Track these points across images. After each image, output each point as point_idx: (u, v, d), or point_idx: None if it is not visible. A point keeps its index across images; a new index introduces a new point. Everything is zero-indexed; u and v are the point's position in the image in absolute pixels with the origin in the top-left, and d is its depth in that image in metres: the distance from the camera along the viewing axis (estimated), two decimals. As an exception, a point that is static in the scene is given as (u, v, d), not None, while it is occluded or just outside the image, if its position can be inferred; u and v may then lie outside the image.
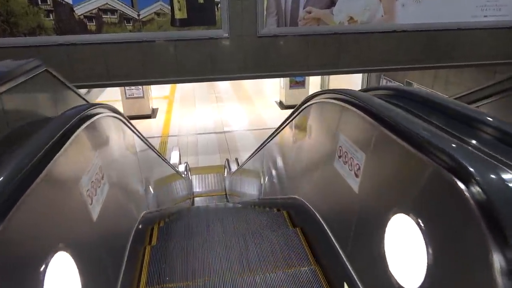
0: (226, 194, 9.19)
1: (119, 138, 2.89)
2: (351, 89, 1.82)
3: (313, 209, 2.46)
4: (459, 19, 5.31)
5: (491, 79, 7.35)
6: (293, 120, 3.41)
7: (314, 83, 16.91)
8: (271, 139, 4.75)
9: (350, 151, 1.52)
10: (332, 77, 16.73)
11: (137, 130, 3.90)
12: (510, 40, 5.57)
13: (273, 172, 4.83)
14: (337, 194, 1.98)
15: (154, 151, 4.83)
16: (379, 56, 5.75)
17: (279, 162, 4.54)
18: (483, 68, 7.23)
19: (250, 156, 6.42)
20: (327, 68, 5.69)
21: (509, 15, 5.38)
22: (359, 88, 13.65)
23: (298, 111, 3.11)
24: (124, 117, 3.13)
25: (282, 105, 15.69)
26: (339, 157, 1.63)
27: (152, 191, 4.12)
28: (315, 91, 2.87)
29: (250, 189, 6.00)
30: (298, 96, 15.33)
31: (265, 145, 5.11)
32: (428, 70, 9.42)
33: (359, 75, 13.62)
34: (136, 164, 3.41)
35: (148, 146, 4.31)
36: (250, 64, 5.52)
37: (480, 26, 5.41)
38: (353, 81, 13.87)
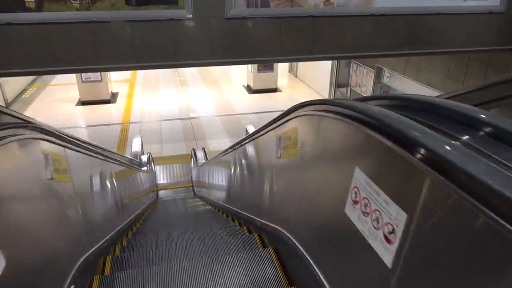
0: (192, 186, 8.69)
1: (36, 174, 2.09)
2: (367, 105, 1.33)
3: (313, 265, 1.84)
4: (439, 3, 5.01)
5: (463, 65, 7.22)
6: (276, 129, 2.72)
7: (282, 67, 16.49)
8: (247, 141, 4.23)
9: (375, 200, 1.10)
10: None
11: (81, 142, 3.22)
12: (490, 26, 5.35)
13: (246, 180, 4.35)
14: (353, 258, 1.42)
15: (108, 155, 4.18)
16: (356, 42, 5.38)
17: (255, 174, 3.93)
18: (456, 54, 7.07)
19: (221, 153, 5.93)
20: (301, 54, 5.24)
21: (490, 0, 5.13)
22: (329, 74, 13.37)
23: (285, 119, 2.43)
24: (55, 134, 2.43)
25: (250, 89, 15.19)
26: (354, 202, 1.18)
27: (105, 207, 3.56)
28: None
29: (218, 191, 5.53)
30: (266, 80, 14.88)
31: (238, 145, 4.60)
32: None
33: (328, 61, 13.32)
34: (72, 195, 2.66)
35: (98, 154, 3.67)
36: (217, 49, 4.99)
37: (460, 11, 5.13)
38: (322, 67, 13.56)
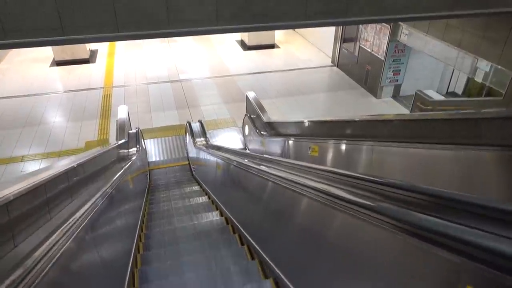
0: (189, 164, 7.69)
1: None
2: None
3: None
4: None
5: (507, 27, 6.09)
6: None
7: (279, 19, 14.91)
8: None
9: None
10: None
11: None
12: None
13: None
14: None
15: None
16: (399, 1, 4.21)
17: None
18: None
19: (229, 150, 4.87)
20: (332, 16, 4.07)
21: None
22: (333, 28, 11.98)
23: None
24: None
25: (244, 46, 13.77)
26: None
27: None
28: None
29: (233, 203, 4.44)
30: (262, 35, 13.44)
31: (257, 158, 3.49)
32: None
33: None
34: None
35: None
36: (224, 12, 3.78)
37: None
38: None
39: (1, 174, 7.29)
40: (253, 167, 3.22)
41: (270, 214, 2.95)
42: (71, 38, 3.61)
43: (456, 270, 1.02)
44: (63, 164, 2.69)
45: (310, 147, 4.73)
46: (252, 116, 7.72)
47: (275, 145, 6.43)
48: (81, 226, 1.83)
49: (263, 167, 3.05)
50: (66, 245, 1.55)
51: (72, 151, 7.95)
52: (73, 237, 1.65)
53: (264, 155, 3.49)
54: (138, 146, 6.49)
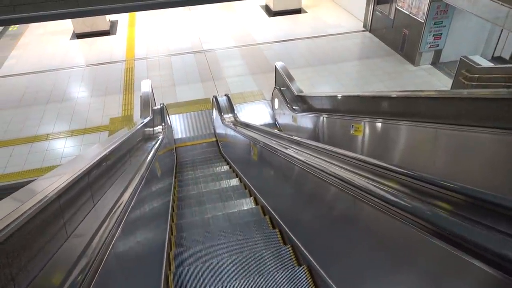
0: (217, 141, 7.35)
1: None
2: None
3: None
4: None
5: None
6: None
7: (306, -19, 13.99)
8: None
9: None
10: (328, -28, 13.81)
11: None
12: None
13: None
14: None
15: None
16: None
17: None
18: None
19: (261, 130, 4.42)
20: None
21: None
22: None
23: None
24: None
25: (269, 11, 13.01)
26: None
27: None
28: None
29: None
30: (289, -2, 12.63)
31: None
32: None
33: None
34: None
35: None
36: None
37: None
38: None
39: (28, 152, 7.17)
40: (293, 156, 2.81)
41: (316, 211, 2.56)
42: (84, 10, 3.20)
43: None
44: (94, 153, 2.47)
45: (353, 126, 4.25)
46: (282, 88, 7.23)
47: (308, 122, 5.97)
48: (124, 217, 1.88)
49: (304, 157, 2.64)
50: (117, 233, 1.68)
51: (96, 128, 7.73)
52: (121, 224, 1.77)
53: (304, 140, 3.05)
54: (163, 124, 6.16)
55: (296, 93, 6.67)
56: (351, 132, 4.27)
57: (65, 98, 8.80)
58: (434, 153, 2.97)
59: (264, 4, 13.56)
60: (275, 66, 7.85)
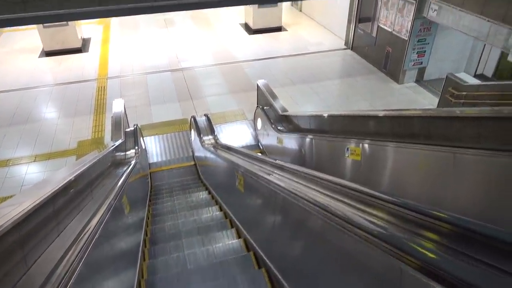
0: (196, 165, 6.80)
1: None
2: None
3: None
4: None
5: None
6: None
7: (285, -1, 13.82)
8: None
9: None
10: (307, -9, 13.76)
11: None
12: None
13: None
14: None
15: None
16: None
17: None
18: None
19: (246, 155, 3.92)
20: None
21: None
22: (347, 7, 10.91)
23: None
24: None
25: (249, 29, 12.73)
26: None
27: None
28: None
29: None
30: (269, 16, 12.43)
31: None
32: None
33: (346, -12, 10.83)
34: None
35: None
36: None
37: None
38: (336, 3, 11.03)
39: (-16, 180, 6.42)
40: (280, 185, 2.34)
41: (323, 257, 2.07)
42: (40, 15, 2.71)
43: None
44: (52, 183, 2.17)
45: (348, 149, 3.82)
46: (265, 108, 6.79)
47: (295, 143, 5.52)
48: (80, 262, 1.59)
49: (295, 187, 2.18)
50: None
51: (63, 152, 7.06)
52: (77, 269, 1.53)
53: (297, 168, 2.59)
54: (136, 147, 5.59)
55: (280, 113, 6.25)
56: (346, 155, 3.84)
57: (29, 120, 8.10)
58: (452, 181, 2.55)
59: (243, 22, 13.29)
60: (257, 84, 7.45)
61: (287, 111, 6.25)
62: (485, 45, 8.92)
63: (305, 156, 5.25)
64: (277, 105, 6.42)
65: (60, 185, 1.99)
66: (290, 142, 5.73)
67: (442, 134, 2.65)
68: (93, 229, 1.95)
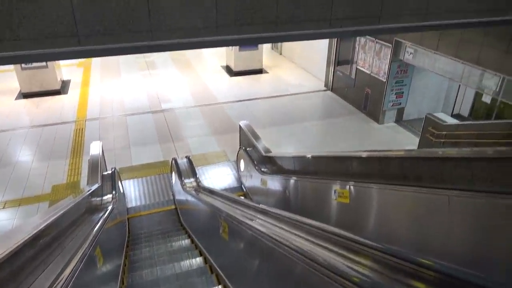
0: (176, 208, 6.54)
1: None
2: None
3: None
4: None
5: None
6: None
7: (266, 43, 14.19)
8: None
9: None
10: (286, 35, 14.17)
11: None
12: None
13: None
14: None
15: None
16: (444, 5, 3.35)
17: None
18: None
19: (231, 200, 3.77)
20: (362, 22, 3.15)
21: None
22: (325, 50, 11.24)
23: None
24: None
25: (230, 71, 12.89)
26: None
27: None
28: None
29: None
30: (250, 59, 12.65)
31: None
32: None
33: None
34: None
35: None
36: (226, 17, 2.81)
37: None
38: (315, 44, 11.36)
39: None
40: (269, 236, 2.18)
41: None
42: (13, 56, 2.59)
43: None
44: (22, 233, 2.08)
45: (335, 191, 3.70)
46: (248, 149, 6.69)
47: (280, 185, 5.38)
48: None
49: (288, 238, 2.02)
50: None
51: (36, 198, 6.69)
52: None
53: (285, 214, 2.44)
54: (114, 192, 5.33)
55: (264, 154, 6.15)
56: (334, 198, 3.71)
57: (1, 164, 7.73)
58: (446, 223, 2.44)
59: (225, 64, 13.48)
60: (240, 125, 7.38)
61: (270, 152, 6.15)
62: (459, 85, 9.23)
63: (290, 198, 5.09)
64: (260, 146, 6.33)
65: (29, 236, 1.91)
66: (274, 183, 5.59)
67: (434, 175, 2.57)
68: (64, 282, 1.85)
